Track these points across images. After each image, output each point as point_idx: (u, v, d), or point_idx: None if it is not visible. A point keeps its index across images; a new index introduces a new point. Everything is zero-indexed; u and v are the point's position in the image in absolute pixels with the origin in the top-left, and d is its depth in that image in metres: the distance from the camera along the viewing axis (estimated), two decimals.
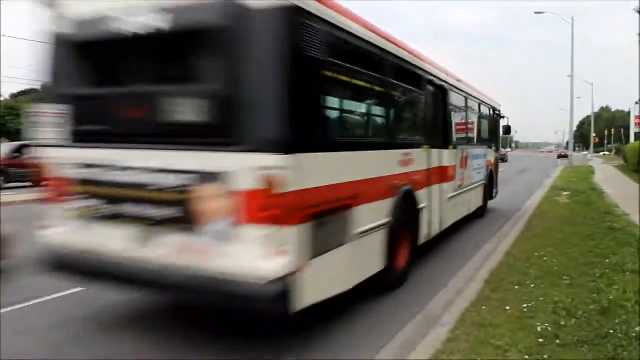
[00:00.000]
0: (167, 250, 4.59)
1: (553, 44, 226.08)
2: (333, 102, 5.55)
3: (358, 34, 5.72)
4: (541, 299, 5.74)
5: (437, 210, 8.65)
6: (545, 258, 7.73)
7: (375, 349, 4.83)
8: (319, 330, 5.29)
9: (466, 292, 6.27)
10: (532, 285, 6.29)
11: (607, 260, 7.45)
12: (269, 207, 4.16)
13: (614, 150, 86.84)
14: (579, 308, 5.38)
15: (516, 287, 6.28)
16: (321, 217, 4.69)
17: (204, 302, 5.05)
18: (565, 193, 18.32)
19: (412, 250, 7.29)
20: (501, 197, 15.85)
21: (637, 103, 48.43)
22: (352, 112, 6.39)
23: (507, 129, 16.53)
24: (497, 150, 15.82)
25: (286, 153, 4.16)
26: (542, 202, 16.14)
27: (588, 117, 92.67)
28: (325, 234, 4.76)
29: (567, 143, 63.78)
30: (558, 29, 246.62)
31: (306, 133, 4.57)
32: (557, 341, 4.58)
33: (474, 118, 12.22)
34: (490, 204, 14.25)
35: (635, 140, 44.98)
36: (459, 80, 10.61)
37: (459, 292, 6.33)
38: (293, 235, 4.26)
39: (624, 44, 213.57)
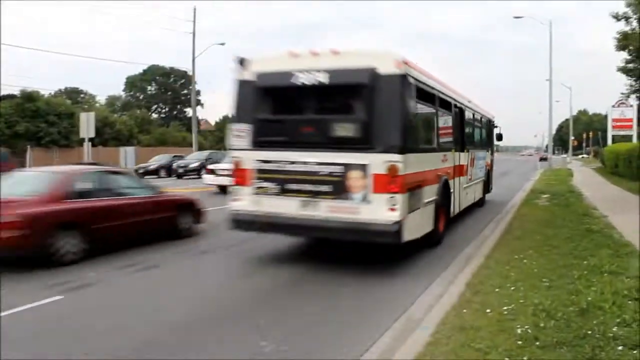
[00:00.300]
0: (321, 211, 7.89)
1: (532, 47, 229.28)
2: (418, 125, 9.09)
3: (429, 83, 9.46)
4: (521, 301, 5.80)
5: (457, 195, 12.00)
6: (525, 260, 7.82)
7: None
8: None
9: (447, 296, 6.31)
10: (512, 288, 6.35)
11: (585, 262, 7.55)
12: (390, 183, 7.52)
13: (592, 153, 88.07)
14: (558, 310, 5.44)
15: (497, 289, 6.34)
16: (412, 190, 8.03)
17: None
18: (545, 196, 18.53)
19: (446, 222, 10.51)
20: (489, 196, 18.05)
21: (613, 106, 49.19)
22: (424, 130, 9.92)
23: (500, 136, 19.78)
24: (492, 154, 19.32)
25: (400, 153, 7.55)
26: (522, 204, 16.32)
27: (566, 120, 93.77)
28: (412, 200, 8.08)
29: (547, 146, 64.60)
30: (537, 33, 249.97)
31: (408, 142, 7.86)
32: (537, 343, 4.62)
33: (478, 127, 15.70)
34: (487, 196, 17.30)
35: (613, 142, 45.67)
36: (469, 101, 14.11)
37: (440, 296, 6.37)
38: (401, 199, 7.59)
39: (600, 48, 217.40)
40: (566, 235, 9.90)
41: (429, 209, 9.11)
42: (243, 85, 8.55)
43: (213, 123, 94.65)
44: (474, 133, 14.99)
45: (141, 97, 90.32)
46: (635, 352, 4.41)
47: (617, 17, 22.15)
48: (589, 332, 4.81)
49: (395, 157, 7.51)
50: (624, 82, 26.78)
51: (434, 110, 10.08)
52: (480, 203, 16.12)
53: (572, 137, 77.16)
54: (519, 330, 4.90)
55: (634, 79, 24.34)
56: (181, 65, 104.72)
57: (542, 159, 60.25)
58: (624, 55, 23.86)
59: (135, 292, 7.19)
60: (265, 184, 8.30)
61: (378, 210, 7.56)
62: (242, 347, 5.06)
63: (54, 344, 5.17)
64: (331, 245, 9.50)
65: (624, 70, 23.64)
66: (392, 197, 7.52)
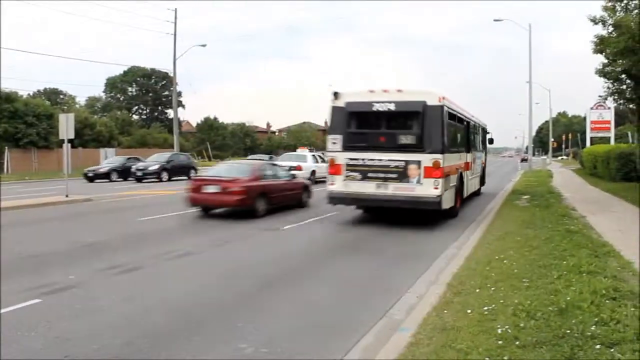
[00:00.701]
0: (389, 190, 12.44)
1: (512, 50, 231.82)
2: (449, 135, 13.33)
3: (454, 109, 14.32)
4: (501, 301, 5.84)
5: (466, 183, 16.85)
6: (505, 261, 7.88)
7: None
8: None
9: (428, 296, 6.33)
10: (493, 288, 6.39)
11: (564, 262, 7.61)
12: (435, 171, 12.14)
13: (571, 155, 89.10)
14: (537, 309, 5.48)
15: (477, 290, 6.38)
16: (446, 177, 12.67)
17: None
18: (525, 197, 18.73)
19: (461, 201, 15.50)
20: (483, 189, 23.10)
21: (592, 108, 49.85)
22: (451, 139, 14.06)
23: (491, 140, 25.17)
24: (486, 154, 25.28)
25: (441, 153, 12.31)
26: (503, 205, 16.46)
27: (546, 122, 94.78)
28: (446, 184, 12.66)
29: (527, 148, 65.26)
30: (517, 36, 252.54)
31: (444, 147, 12.45)
32: (517, 342, 4.65)
33: (477, 134, 20.61)
34: (482, 189, 22.62)
35: (591, 144, 46.29)
36: (472, 115, 18.94)
37: (421, 297, 6.39)
38: (441, 182, 12.21)
39: (579, 51, 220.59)
40: (546, 236, 10.00)
41: (453, 191, 14.06)
42: (336, 109, 13.31)
43: (194, 124, 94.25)
44: (475, 139, 19.88)
45: (122, 98, 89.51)
46: (612, 350, 4.45)
47: (594, 21, 22.43)
48: (568, 331, 4.85)
49: (438, 156, 12.37)
50: (601, 85, 27.12)
51: (455, 125, 15.02)
52: (478, 192, 21.40)
53: (551, 139, 77.90)
54: (499, 330, 4.93)
55: (611, 81, 24.66)
56: (162, 66, 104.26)
57: (523, 160, 61.04)
58: (601, 58, 24.18)
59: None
60: (351, 174, 12.97)
61: (427, 189, 12.32)
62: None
63: None
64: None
65: (601, 73, 23.94)
66: (435, 180, 12.31)
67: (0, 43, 51.62)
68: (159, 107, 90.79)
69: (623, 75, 21.52)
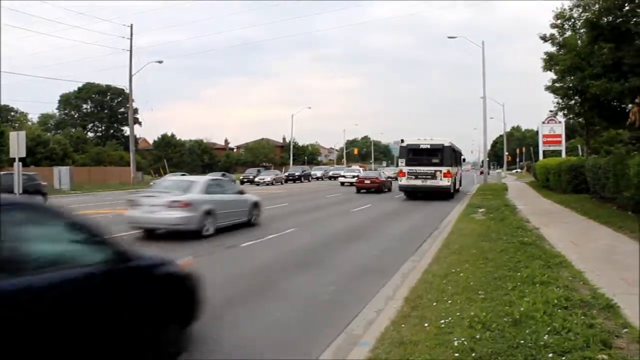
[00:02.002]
0: (428, 183, 27.91)
1: (466, 66, 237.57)
2: (452, 159, 29.38)
3: (454, 146, 30.91)
4: (458, 314, 5.92)
5: (457, 181, 33.03)
6: (461, 274, 7.99)
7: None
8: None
9: (386, 311, 6.36)
10: (450, 301, 6.48)
11: (518, 274, 7.78)
12: (447, 175, 27.68)
13: (525, 168, 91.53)
14: (493, 321, 5.57)
15: (434, 303, 6.45)
16: (453, 177, 29.49)
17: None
18: (481, 210, 19.08)
19: (455, 190, 30.92)
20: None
21: (543, 123, 51.39)
22: (452, 159, 29.56)
23: (464, 160, 41.71)
24: (461, 168, 39.71)
25: (449, 167, 28.23)
26: (459, 219, 16.74)
27: (501, 136, 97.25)
28: (452, 181, 28.66)
29: (482, 161, 66.68)
30: (470, 52, 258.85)
31: (452, 164, 29.02)
32: (473, 354, 4.72)
33: (459, 156, 35.91)
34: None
35: (544, 157, 47.65)
36: (458, 147, 35.42)
37: (380, 311, 6.42)
38: (451, 180, 28.19)
39: (530, 67, 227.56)
40: (501, 248, 10.18)
41: (453, 184, 28.75)
42: (402, 147, 28.85)
43: (151, 141, 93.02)
44: (458, 159, 34.85)
45: (76, 115, 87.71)
46: (564, 358, 4.57)
47: (544, 39, 23.29)
48: (522, 341, 4.95)
49: (448, 168, 27.52)
50: (552, 100, 28.09)
51: (454, 153, 30.30)
52: (459, 190, 33.56)
53: (506, 153, 79.96)
54: (455, 343, 4.99)
55: (560, 97, 25.55)
56: (118, 83, 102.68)
57: (482, 173, 62.51)
58: (552, 75, 25.06)
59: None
60: (409, 175, 27.73)
61: (445, 183, 27.29)
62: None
63: None
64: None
65: (551, 89, 24.83)
66: (448, 179, 27.28)
67: (0, 42, 49.21)
68: (115, 124, 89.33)
69: (571, 92, 22.32)
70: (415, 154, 27.82)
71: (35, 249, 4.07)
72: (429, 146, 27.56)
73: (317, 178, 64.30)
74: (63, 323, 3.90)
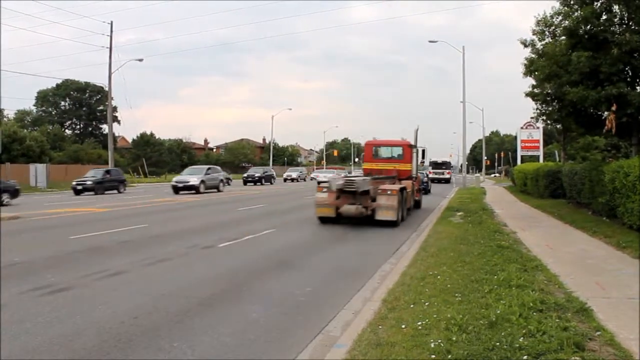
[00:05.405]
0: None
1: (446, 71, 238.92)
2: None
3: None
4: (435, 316, 5.95)
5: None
6: (439, 277, 8.04)
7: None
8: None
9: (364, 313, 6.37)
10: (427, 304, 6.51)
11: (495, 277, 7.85)
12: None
13: (503, 172, 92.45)
14: (469, 323, 5.61)
15: (411, 305, 6.48)
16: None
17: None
18: (459, 213, 19.24)
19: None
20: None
21: (522, 128, 52.04)
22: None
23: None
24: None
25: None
26: (437, 222, 16.86)
27: (479, 140, 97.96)
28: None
29: (461, 165, 67.23)
30: (451, 57, 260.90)
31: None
32: (449, 356, 4.75)
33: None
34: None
35: (522, 162, 48.24)
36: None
37: (357, 313, 6.43)
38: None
39: (510, 72, 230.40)
40: (478, 252, 10.28)
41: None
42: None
43: (130, 140, 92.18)
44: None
45: (54, 112, 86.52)
46: None
47: (524, 44, 23.52)
48: (498, 343, 4.99)
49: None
50: (531, 106, 28.40)
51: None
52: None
53: (484, 157, 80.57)
54: (432, 345, 5.02)
55: (539, 102, 25.84)
56: (97, 80, 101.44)
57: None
58: (532, 80, 25.31)
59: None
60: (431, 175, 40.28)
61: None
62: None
63: None
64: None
65: (530, 95, 25.07)
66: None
67: (0, 43, 48.43)
68: (94, 122, 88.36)
69: (549, 98, 22.59)
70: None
71: None
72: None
73: (293, 180, 63.54)
74: None
